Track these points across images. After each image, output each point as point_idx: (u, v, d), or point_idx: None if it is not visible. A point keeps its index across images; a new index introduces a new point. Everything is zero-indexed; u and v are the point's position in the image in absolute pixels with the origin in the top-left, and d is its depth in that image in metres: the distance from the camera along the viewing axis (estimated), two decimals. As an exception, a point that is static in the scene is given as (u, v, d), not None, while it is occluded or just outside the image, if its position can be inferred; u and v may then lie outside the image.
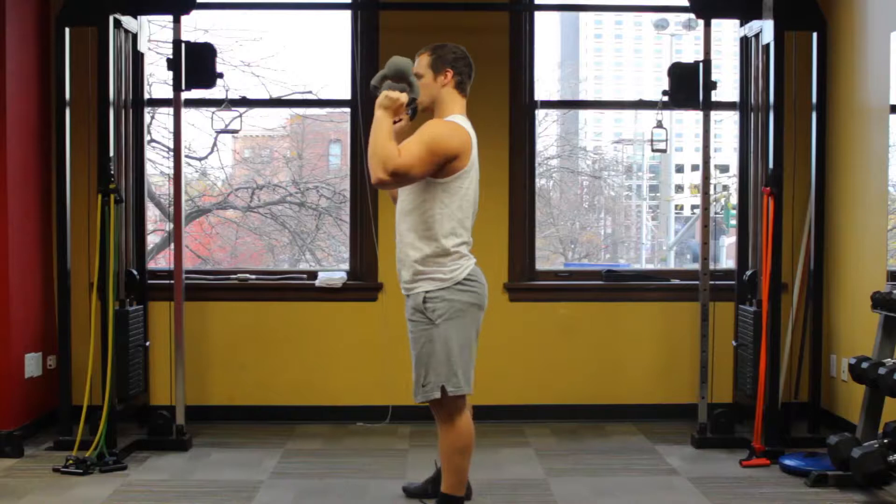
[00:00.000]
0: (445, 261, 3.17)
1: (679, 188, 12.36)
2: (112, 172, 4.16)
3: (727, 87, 4.88)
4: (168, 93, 4.40)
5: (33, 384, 4.51)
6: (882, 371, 3.49)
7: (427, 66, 3.25)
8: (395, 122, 3.18)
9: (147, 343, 4.66)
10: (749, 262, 4.62)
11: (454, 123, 3.20)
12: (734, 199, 4.97)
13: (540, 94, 5.05)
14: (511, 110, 4.91)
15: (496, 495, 3.65)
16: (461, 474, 3.22)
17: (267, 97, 6.28)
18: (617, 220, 10.35)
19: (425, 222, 3.17)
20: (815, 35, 4.38)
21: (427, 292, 3.16)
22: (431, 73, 3.25)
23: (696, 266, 4.56)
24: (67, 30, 4.27)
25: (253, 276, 4.96)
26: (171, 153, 4.44)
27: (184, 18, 4.32)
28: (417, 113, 3.29)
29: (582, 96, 15.35)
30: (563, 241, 9.14)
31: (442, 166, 3.12)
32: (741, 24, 4.57)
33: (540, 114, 5.49)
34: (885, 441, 3.45)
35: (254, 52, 6.73)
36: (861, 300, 4.14)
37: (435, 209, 3.16)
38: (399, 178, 3.08)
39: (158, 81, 5.41)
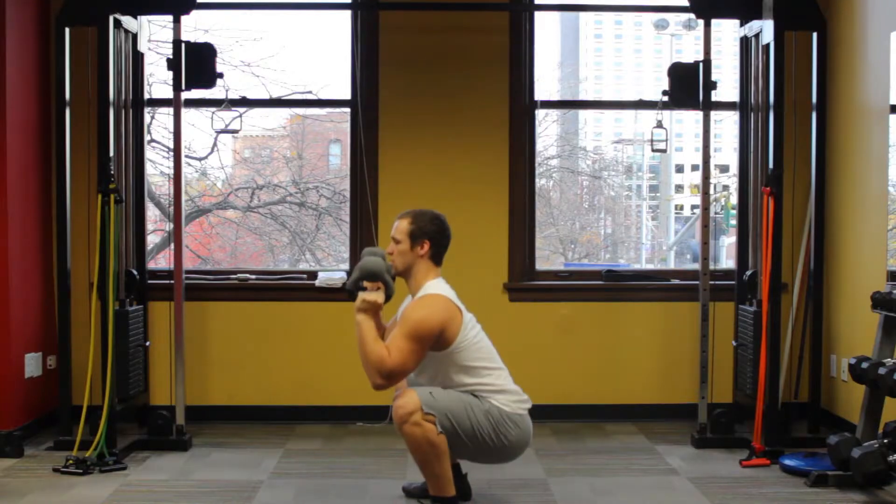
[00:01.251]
0: (493, 394, 3.27)
1: (679, 188, 12.35)
2: (112, 172, 4.16)
3: (727, 87, 4.87)
4: (168, 93, 4.40)
5: (33, 384, 4.51)
6: (882, 371, 3.49)
7: (406, 233, 3.32)
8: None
9: (147, 343, 4.66)
10: (749, 262, 4.62)
11: (430, 297, 3.25)
12: (734, 199, 4.97)
13: (540, 94, 5.05)
14: (511, 110, 4.91)
15: (496, 495, 3.65)
16: (443, 477, 3.22)
17: (267, 97, 6.27)
18: (617, 220, 10.35)
19: (459, 385, 3.25)
20: (815, 35, 4.38)
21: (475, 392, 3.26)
22: (409, 242, 3.31)
23: (696, 266, 4.56)
24: (67, 30, 4.27)
25: (253, 276, 4.97)
26: (171, 153, 4.44)
27: (184, 18, 4.31)
28: (393, 295, 3.31)
29: (582, 96, 15.35)
30: (563, 241, 9.13)
31: (434, 344, 3.18)
32: (741, 24, 4.57)
33: (540, 114, 5.49)
34: (885, 441, 3.45)
35: (254, 52, 6.73)
36: (861, 300, 4.14)
37: (460, 375, 3.24)
38: (396, 377, 3.17)
39: (158, 81, 5.41)
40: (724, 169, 9.06)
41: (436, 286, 3.29)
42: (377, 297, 3.23)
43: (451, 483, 3.25)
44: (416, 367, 3.20)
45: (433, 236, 3.32)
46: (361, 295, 3.23)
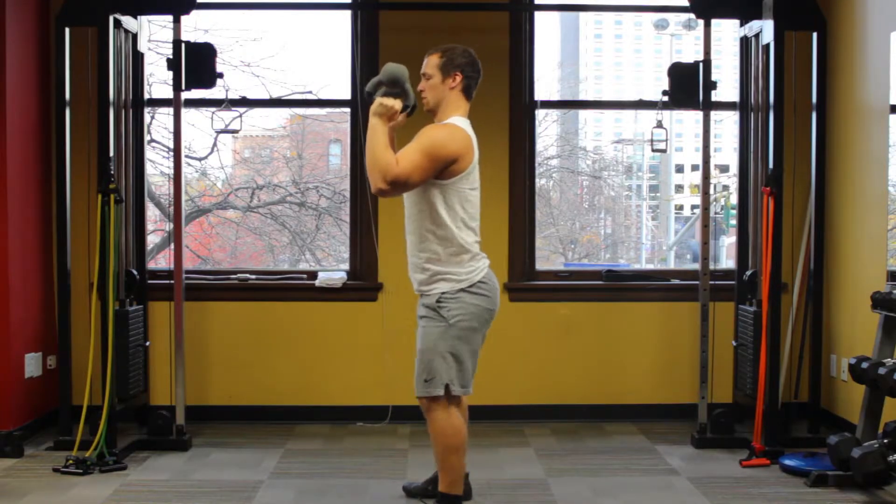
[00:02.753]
0: (459, 260, 3.19)
1: (679, 188, 12.37)
2: (112, 172, 4.15)
3: (727, 87, 4.87)
4: (168, 93, 4.40)
5: (33, 384, 4.51)
6: (882, 371, 3.49)
7: (437, 66, 3.26)
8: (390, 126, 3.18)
9: (147, 343, 4.66)
10: (749, 262, 4.62)
11: (452, 126, 3.20)
12: (734, 199, 4.97)
13: (540, 94, 5.05)
14: (511, 110, 4.91)
15: (496, 495, 3.65)
16: (456, 472, 3.23)
17: (267, 97, 6.28)
18: (617, 220, 10.36)
19: (433, 223, 3.19)
20: (815, 35, 4.38)
21: (443, 293, 3.18)
22: (440, 75, 3.25)
23: (696, 266, 4.56)
24: (67, 30, 4.27)
25: (253, 276, 4.96)
26: (171, 153, 4.44)
27: (184, 18, 4.31)
28: (415, 111, 3.27)
29: (582, 96, 15.38)
30: (563, 241, 9.14)
31: (442, 170, 3.13)
32: (741, 24, 4.57)
33: (540, 114, 5.49)
34: (885, 441, 3.45)
35: (254, 52, 6.74)
36: (861, 300, 4.15)
37: (441, 210, 3.17)
38: (399, 186, 3.10)
39: (158, 81, 5.42)
40: (724, 169, 9.08)
41: (462, 122, 3.24)
42: (395, 102, 3.15)
43: (462, 483, 3.28)
44: (420, 182, 3.11)
45: (464, 68, 3.25)
46: (379, 98, 3.15)
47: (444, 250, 3.19)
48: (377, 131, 3.11)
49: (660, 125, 4.68)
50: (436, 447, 3.23)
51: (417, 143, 3.11)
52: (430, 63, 3.27)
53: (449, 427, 3.17)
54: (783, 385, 4.55)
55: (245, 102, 5.17)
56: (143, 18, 4.58)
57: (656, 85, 4.55)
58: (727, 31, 5.43)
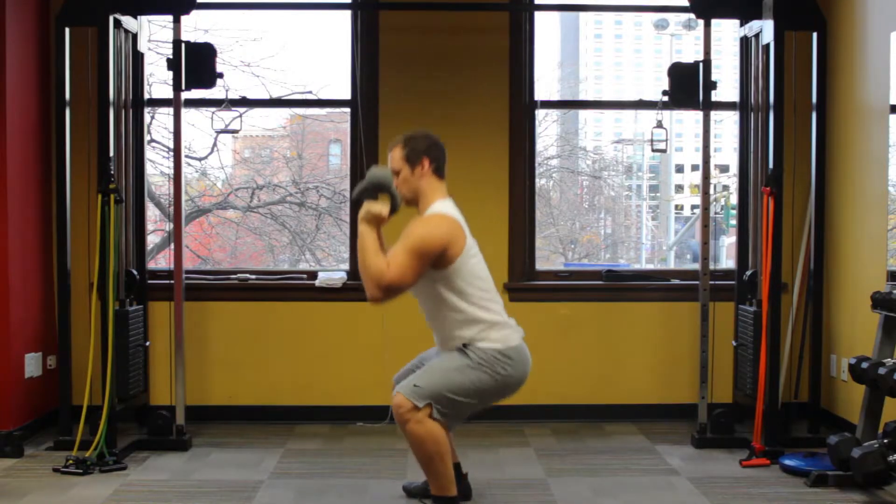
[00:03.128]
0: (484, 330, 3.23)
1: (679, 188, 12.37)
2: (112, 172, 4.16)
3: (727, 87, 4.87)
4: (168, 93, 4.40)
5: (33, 384, 4.51)
6: (882, 371, 3.49)
7: (402, 159, 3.30)
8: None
9: (147, 343, 4.67)
10: (749, 262, 4.62)
11: (435, 217, 3.23)
12: (734, 199, 4.97)
13: (540, 94, 5.04)
14: (511, 110, 4.91)
15: (496, 495, 3.65)
16: (444, 477, 3.20)
17: (267, 97, 6.28)
18: (617, 220, 10.36)
19: (451, 310, 3.23)
20: (815, 35, 4.38)
21: (466, 343, 3.23)
22: (408, 167, 3.29)
23: (696, 266, 4.56)
24: (67, 30, 4.27)
25: (253, 276, 4.97)
26: (171, 153, 4.44)
27: (184, 18, 4.31)
28: (399, 208, 3.30)
29: (582, 96, 15.37)
30: (563, 241, 9.14)
31: (436, 262, 3.16)
32: (741, 24, 4.57)
33: (540, 114, 5.49)
34: (885, 441, 3.45)
35: (254, 52, 6.75)
36: (861, 300, 4.15)
37: (452, 298, 3.21)
38: (394, 291, 3.14)
39: (158, 81, 5.42)
40: (724, 169, 9.07)
41: (443, 206, 3.27)
42: (382, 208, 3.20)
43: (453, 482, 3.25)
44: (414, 282, 3.15)
45: (428, 151, 3.29)
46: (366, 205, 3.20)
47: (468, 328, 3.23)
48: (366, 238, 3.16)
49: (660, 125, 4.68)
50: (416, 456, 3.22)
51: (404, 243, 3.15)
52: (395, 157, 3.31)
53: (426, 436, 3.13)
54: (783, 385, 4.55)
55: (245, 102, 5.17)
56: (143, 18, 4.58)
57: (656, 85, 4.55)
58: (727, 31, 5.43)
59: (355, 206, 3.29)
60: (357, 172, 4.91)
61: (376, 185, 3.23)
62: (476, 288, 3.24)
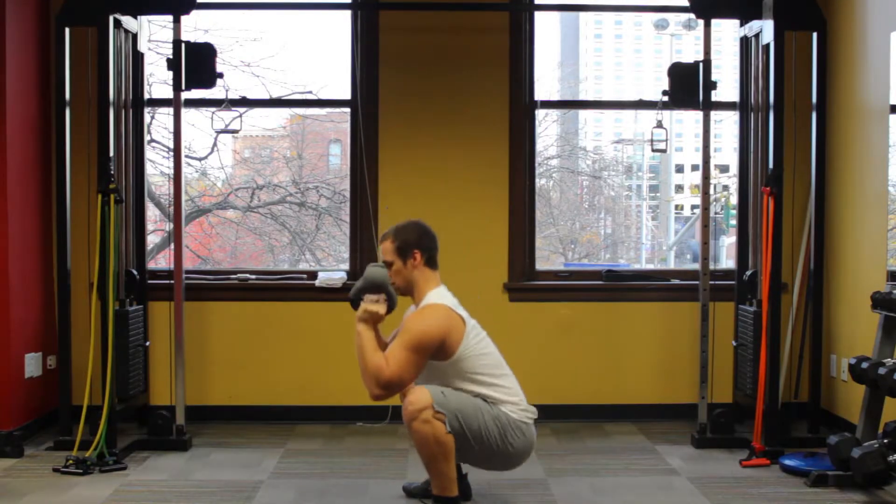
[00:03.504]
0: (500, 403, 3.27)
1: (679, 188, 12.36)
2: (112, 172, 4.16)
3: (727, 87, 4.87)
4: (168, 93, 4.40)
5: (33, 384, 4.51)
6: (882, 371, 3.49)
7: (393, 252, 3.33)
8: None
9: (147, 343, 4.66)
10: (749, 262, 4.62)
11: (431, 308, 3.25)
12: (734, 199, 4.97)
13: (540, 94, 5.04)
14: (511, 110, 4.91)
15: (496, 495, 3.65)
16: (446, 477, 3.21)
17: (267, 97, 6.28)
18: (617, 220, 10.35)
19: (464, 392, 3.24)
20: (815, 35, 4.38)
21: (485, 398, 3.26)
22: (400, 260, 3.33)
23: (696, 266, 4.56)
24: (67, 30, 4.27)
25: (253, 276, 4.97)
26: (171, 153, 4.44)
27: (184, 18, 4.31)
28: (395, 306, 3.33)
29: (582, 96, 15.37)
30: (563, 241, 9.14)
31: (436, 353, 3.18)
32: (741, 24, 4.57)
33: (540, 114, 5.49)
34: (885, 441, 3.45)
35: (254, 52, 6.73)
36: (861, 300, 4.14)
37: (462, 385, 3.24)
38: (394, 387, 3.17)
39: (158, 81, 5.42)
40: (724, 169, 9.06)
41: (437, 296, 3.30)
42: (379, 307, 3.25)
43: (455, 483, 3.25)
44: (414, 378, 3.21)
45: (419, 244, 3.33)
46: (364, 305, 3.25)
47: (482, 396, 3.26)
48: (364, 336, 3.20)
49: (660, 125, 4.68)
50: (420, 455, 3.22)
51: (401, 340, 3.17)
52: (386, 250, 3.35)
53: (430, 436, 3.13)
54: (783, 385, 4.55)
55: (245, 102, 5.17)
56: (143, 18, 4.58)
57: (656, 85, 4.55)
58: (727, 31, 5.43)
59: (352, 305, 3.33)
60: (357, 172, 4.91)
61: (373, 284, 3.28)
62: (484, 366, 3.27)
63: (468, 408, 3.18)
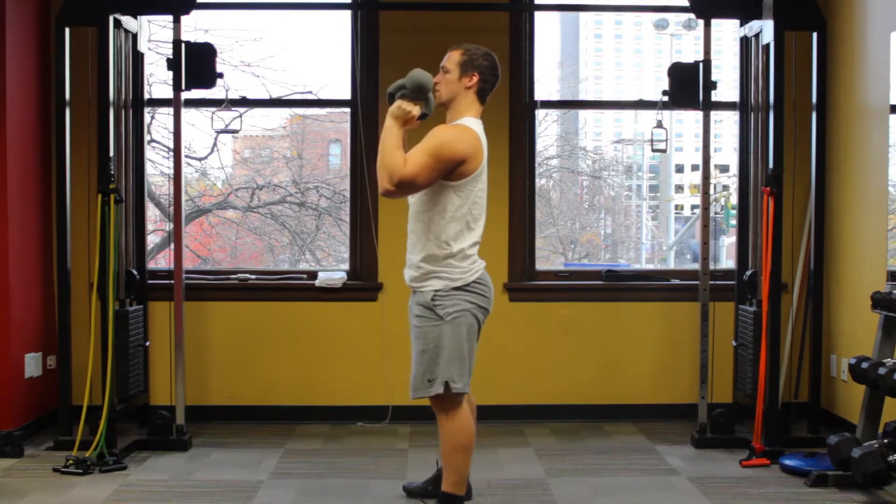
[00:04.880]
0: (454, 262, 3.21)
1: (679, 188, 12.36)
2: (112, 172, 4.16)
3: (727, 87, 4.88)
4: (168, 93, 4.40)
5: (33, 384, 4.51)
6: (882, 371, 3.49)
7: (457, 63, 3.26)
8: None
9: (147, 343, 4.67)
10: (749, 262, 4.62)
11: (462, 127, 3.21)
12: (734, 199, 4.97)
13: (540, 94, 5.04)
14: (511, 110, 4.91)
15: (496, 495, 3.65)
16: (461, 473, 3.23)
17: (267, 97, 6.28)
18: (617, 220, 10.36)
19: (436, 224, 3.20)
20: (815, 35, 4.38)
21: (437, 290, 3.19)
22: (458, 72, 3.26)
23: (696, 266, 4.56)
24: (67, 30, 4.27)
25: (253, 276, 4.96)
26: (171, 153, 4.44)
27: (184, 18, 4.31)
28: (430, 114, 3.28)
29: (582, 96, 15.36)
30: (563, 241, 9.14)
31: (451, 171, 3.14)
32: (741, 24, 4.57)
33: (540, 114, 5.49)
34: (885, 441, 3.45)
35: (254, 52, 6.73)
36: (861, 300, 4.15)
37: (447, 211, 3.19)
38: (405, 187, 3.12)
39: (158, 81, 5.42)
40: (724, 169, 9.06)
41: (473, 122, 3.25)
42: (414, 108, 3.18)
43: (465, 484, 3.28)
44: (426, 185, 3.13)
45: (483, 70, 3.26)
46: (399, 102, 3.18)
47: (441, 252, 3.20)
48: (391, 132, 3.14)
49: (660, 125, 4.68)
50: (443, 446, 3.23)
51: (425, 144, 3.12)
52: (451, 58, 3.28)
53: (457, 427, 3.17)
54: (783, 385, 4.55)
55: (245, 102, 5.17)
56: (143, 18, 4.58)
57: (656, 85, 4.55)
58: (727, 31, 5.43)
59: (388, 99, 3.24)
60: (357, 172, 4.91)
61: (415, 85, 3.19)
62: (469, 214, 3.22)
63: (445, 344, 3.15)
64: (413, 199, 3.30)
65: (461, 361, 3.17)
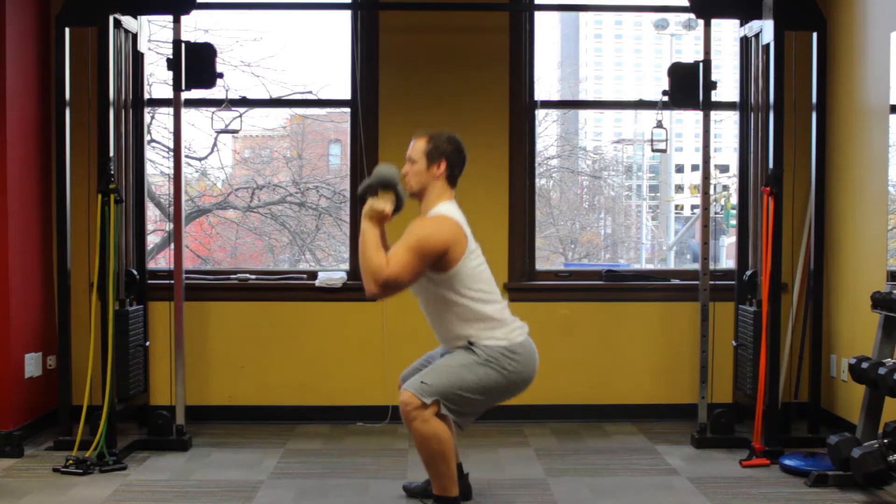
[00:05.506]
0: (488, 327, 3.23)
1: (679, 188, 12.36)
2: (112, 172, 4.16)
3: (727, 87, 4.87)
4: (168, 93, 4.40)
5: (33, 384, 4.51)
6: (882, 371, 3.49)
7: (423, 152, 3.29)
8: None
9: (147, 343, 4.67)
10: (749, 262, 4.62)
11: (438, 218, 3.22)
12: (734, 199, 4.97)
13: (540, 94, 5.05)
14: (511, 110, 4.91)
15: (496, 495, 3.65)
16: (446, 476, 3.19)
17: (267, 97, 6.28)
18: (617, 220, 10.35)
19: (452, 311, 3.22)
20: (815, 35, 4.38)
21: (471, 337, 3.23)
22: (426, 161, 3.28)
23: (696, 266, 4.56)
24: (67, 30, 4.27)
25: (253, 276, 4.97)
26: (171, 153, 4.44)
27: (184, 18, 4.31)
28: (402, 207, 3.29)
29: (582, 96, 15.34)
30: (563, 241, 9.14)
31: (436, 263, 3.15)
32: (741, 24, 4.57)
33: (540, 114, 5.49)
34: (885, 441, 3.45)
35: (254, 52, 6.74)
36: (861, 300, 4.15)
37: (454, 299, 3.21)
38: (391, 288, 3.13)
39: (158, 81, 5.42)
40: (724, 169, 9.07)
41: (447, 208, 3.25)
42: (386, 205, 3.19)
43: (455, 483, 3.24)
44: (411, 281, 3.15)
45: (450, 156, 3.28)
46: (371, 201, 3.20)
47: (471, 326, 3.23)
48: (368, 234, 3.16)
49: (660, 125, 4.68)
50: (420, 455, 3.21)
51: (405, 241, 3.14)
52: (416, 148, 3.30)
53: (430, 435, 3.11)
54: (783, 385, 4.55)
55: (245, 102, 5.17)
56: (143, 18, 4.58)
57: (656, 85, 4.55)
58: (727, 31, 5.43)
59: (360, 201, 3.27)
60: (357, 172, 4.91)
61: (383, 182, 3.21)
62: (478, 290, 3.23)
63: (455, 374, 3.14)
64: (422, 303, 3.33)
65: (466, 399, 3.14)
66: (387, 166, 3.26)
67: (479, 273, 3.25)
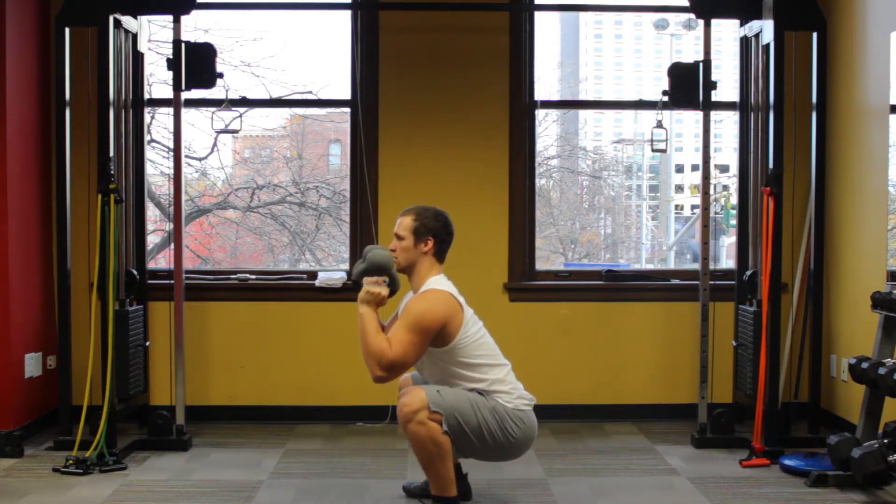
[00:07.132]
0: (495, 390, 3.25)
1: (679, 188, 12.35)
2: (112, 172, 4.16)
3: (727, 87, 4.87)
4: (168, 93, 4.40)
5: (33, 384, 4.51)
6: (882, 371, 3.49)
7: (410, 230, 3.32)
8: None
9: (147, 343, 4.67)
10: (749, 262, 4.62)
11: (431, 293, 3.25)
12: (734, 199, 4.97)
13: (540, 94, 5.05)
14: (511, 110, 4.91)
15: (496, 495, 3.65)
16: (443, 478, 3.21)
17: (267, 97, 6.28)
18: (617, 220, 10.35)
19: (459, 381, 3.25)
20: (815, 35, 4.38)
21: (482, 392, 3.25)
22: (413, 238, 3.32)
23: (696, 266, 4.56)
24: (67, 30, 4.27)
25: (253, 276, 4.97)
26: (171, 153, 4.44)
27: (184, 18, 4.31)
28: (398, 289, 3.35)
29: (582, 96, 15.34)
30: (563, 241, 9.13)
31: (436, 339, 3.18)
32: (741, 24, 4.58)
33: (540, 114, 5.49)
34: (885, 441, 3.45)
35: (254, 52, 6.73)
36: (861, 300, 4.15)
37: (462, 372, 3.24)
38: (396, 369, 3.17)
39: (158, 81, 5.41)
40: (724, 169, 9.06)
41: (438, 282, 3.30)
42: (382, 289, 3.24)
43: (454, 483, 3.25)
44: (416, 360, 3.21)
45: (437, 233, 3.32)
46: (366, 286, 3.24)
47: (479, 385, 3.25)
48: (367, 318, 3.19)
49: (660, 125, 4.68)
50: (417, 457, 3.23)
51: (403, 322, 3.18)
52: (404, 225, 3.34)
53: (426, 437, 3.13)
54: (783, 385, 4.55)
55: (245, 102, 5.17)
56: (143, 18, 4.58)
57: (656, 85, 4.55)
58: (727, 31, 5.43)
59: (354, 286, 3.32)
60: (357, 172, 4.92)
61: (376, 266, 3.27)
62: (481, 357, 3.27)
63: (464, 404, 3.17)
64: (427, 376, 3.36)
65: (459, 430, 3.15)
66: (380, 249, 3.31)
67: (479, 339, 3.29)
